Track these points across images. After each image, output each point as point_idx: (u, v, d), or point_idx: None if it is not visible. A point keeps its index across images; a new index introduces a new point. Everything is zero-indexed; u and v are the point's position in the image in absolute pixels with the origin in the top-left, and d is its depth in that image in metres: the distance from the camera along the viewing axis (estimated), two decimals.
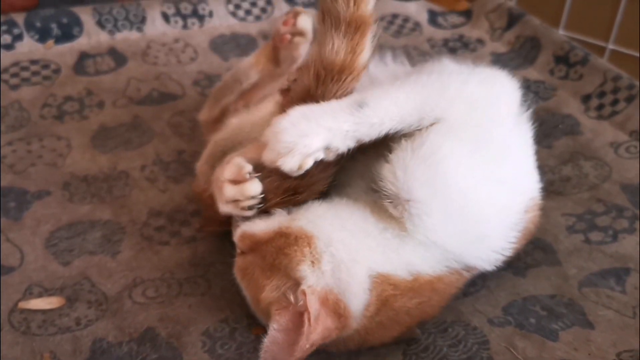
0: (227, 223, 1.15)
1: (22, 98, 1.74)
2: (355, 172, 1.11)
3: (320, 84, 1.06)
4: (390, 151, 1.04)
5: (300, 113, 1.00)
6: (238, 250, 1.10)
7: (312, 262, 1.00)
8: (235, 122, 1.26)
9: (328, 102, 1.04)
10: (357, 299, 1.00)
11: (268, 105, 1.21)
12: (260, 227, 1.06)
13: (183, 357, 1.11)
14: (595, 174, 1.51)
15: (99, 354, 1.11)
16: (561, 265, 1.29)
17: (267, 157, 1.00)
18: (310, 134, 0.98)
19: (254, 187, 1.06)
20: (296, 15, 1.40)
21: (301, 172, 1.00)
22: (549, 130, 1.66)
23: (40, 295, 1.23)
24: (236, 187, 1.07)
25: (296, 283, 0.99)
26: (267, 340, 0.98)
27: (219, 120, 1.44)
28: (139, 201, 1.46)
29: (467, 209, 1.02)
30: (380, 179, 1.03)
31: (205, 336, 1.15)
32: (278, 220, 1.06)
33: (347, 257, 1.01)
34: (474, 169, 1.02)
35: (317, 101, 1.04)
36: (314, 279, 0.99)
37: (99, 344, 1.13)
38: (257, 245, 1.05)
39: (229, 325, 1.17)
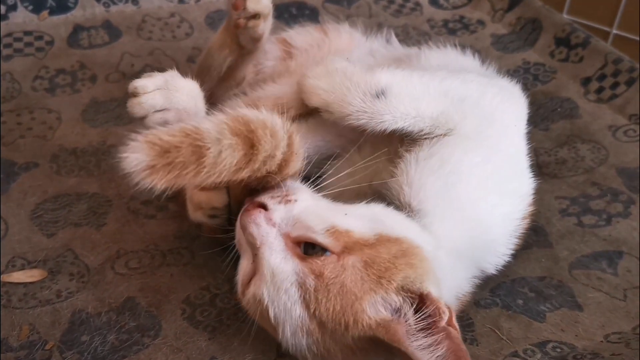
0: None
1: (13, 69, 1.72)
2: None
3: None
4: (394, 166, 1.03)
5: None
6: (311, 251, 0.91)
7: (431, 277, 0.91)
8: None
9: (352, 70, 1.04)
10: None
11: None
12: (356, 226, 0.92)
13: (162, 325, 1.11)
14: (591, 157, 1.49)
15: (78, 325, 1.10)
16: (552, 248, 1.27)
17: None
18: None
19: (218, 198, 1.04)
20: None
21: None
22: (547, 114, 1.64)
23: (22, 268, 1.21)
24: (204, 194, 1.05)
25: (411, 296, 0.88)
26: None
27: (207, 103, 1.42)
28: (127, 175, 1.43)
29: (475, 216, 1.02)
30: (388, 189, 1.03)
31: (186, 304, 1.14)
32: (367, 220, 0.94)
33: (446, 275, 0.95)
34: (482, 179, 1.03)
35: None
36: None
37: (78, 315, 1.12)
38: (356, 246, 0.90)
39: (210, 292, 1.16)
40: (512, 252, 1.10)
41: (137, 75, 1.70)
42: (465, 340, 1.07)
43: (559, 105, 1.67)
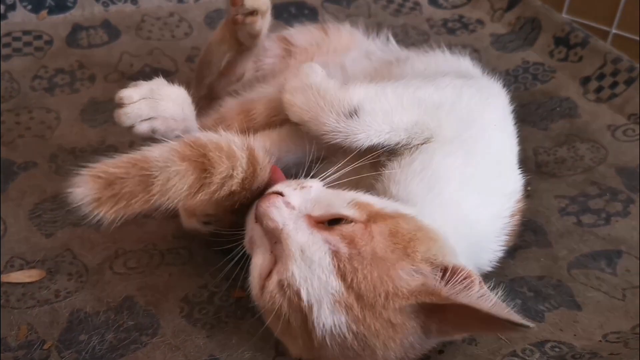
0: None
1: (12, 69, 1.72)
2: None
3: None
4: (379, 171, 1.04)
5: None
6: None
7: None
8: None
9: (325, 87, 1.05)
10: None
11: None
12: (374, 200, 0.95)
13: (160, 323, 1.11)
14: (590, 157, 1.49)
15: (76, 325, 1.10)
16: (551, 247, 1.27)
17: None
18: None
19: (212, 204, 1.04)
20: None
21: None
22: (546, 113, 1.64)
23: (21, 268, 1.21)
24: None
25: (435, 268, 0.88)
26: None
27: (208, 97, 1.44)
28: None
29: (460, 215, 1.01)
30: (375, 192, 1.03)
31: (184, 302, 1.14)
32: (385, 202, 0.97)
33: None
34: (463, 180, 1.02)
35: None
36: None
37: (76, 315, 1.12)
38: (376, 217, 0.91)
39: (208, 290, 1.16)
40: (504, 247, 1.10)
41: (136, 75, 1.74)
42: (463, 340, 1.07)
43: (558, 104, 1.67)
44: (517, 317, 0.82)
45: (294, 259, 0.87)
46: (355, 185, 1.01)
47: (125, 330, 1.09)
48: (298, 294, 0.86)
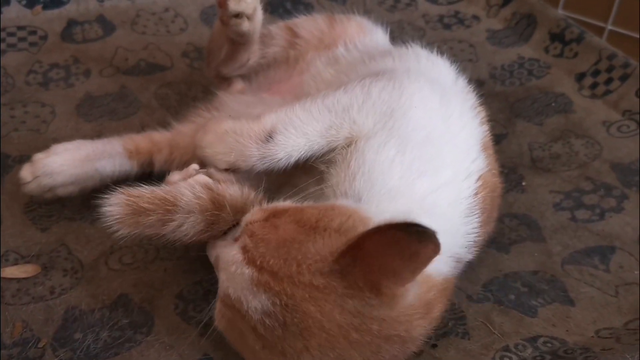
0: None
1: (7, 64, 1.71)
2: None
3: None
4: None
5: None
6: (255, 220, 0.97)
7: None
8: None
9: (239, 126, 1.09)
10: None
11: None
12: (281, 204, 1.00)
13: (155, 321, 1.11)
14: (585, 152, 1.49)
15: (71, 322, 1.10)
16: (545, 242, 1.27)
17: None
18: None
19: (204, 179, 1.08)
20: None
21: None
22: (541, 108, 1.65)
23: (16, 262, 1.21)
24: None
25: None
26: None
27: (217, 77, 1.49)
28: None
29: (418, 202, 0.99)
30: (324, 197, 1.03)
31: (179, 299, 1.15)
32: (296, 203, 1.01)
33: None
34: (406, 165, 1.01)
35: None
36: None
37: (71, 312, 1.12)
38: (280, 211, 0.95)
39: (203, 288, 1.16)
40: (478, 229, 1.05)
41: (132, 69, 1.74)
42: (457, 334, 1.08)
43: (554, 100, 1.67)
44: (411, 221, 0.80)
45: (221, 270, 0.96)
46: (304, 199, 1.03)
47: (119, 328, 1.09)
48: (228, 295, 0.92)
